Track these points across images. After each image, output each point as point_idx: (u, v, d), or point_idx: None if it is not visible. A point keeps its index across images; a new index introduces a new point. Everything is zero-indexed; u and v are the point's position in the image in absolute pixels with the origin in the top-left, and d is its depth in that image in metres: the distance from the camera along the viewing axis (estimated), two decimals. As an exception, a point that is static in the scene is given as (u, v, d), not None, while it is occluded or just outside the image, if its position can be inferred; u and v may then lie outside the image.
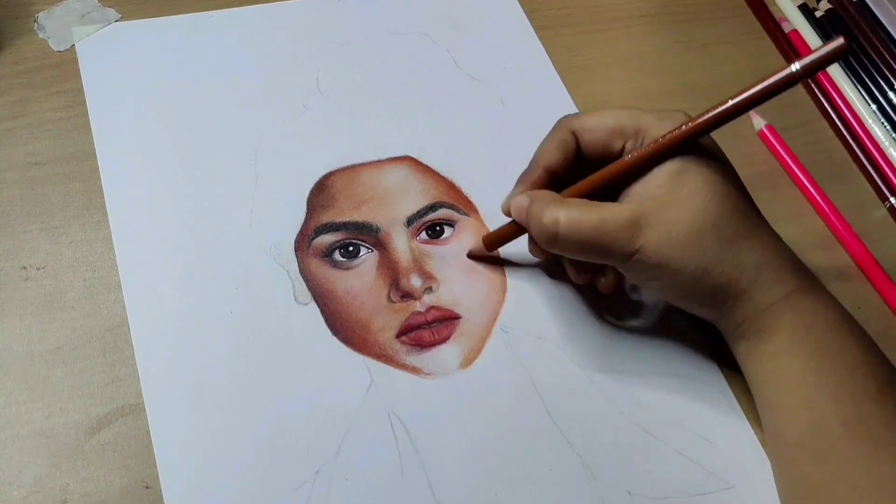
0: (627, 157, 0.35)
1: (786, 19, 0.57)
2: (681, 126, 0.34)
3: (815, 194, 0.48)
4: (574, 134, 0.37)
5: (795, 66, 0.31)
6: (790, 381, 0.34)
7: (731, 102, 0.33)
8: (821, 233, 0.48)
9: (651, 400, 0.39)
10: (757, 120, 0.51)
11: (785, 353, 0.35)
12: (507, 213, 0.38)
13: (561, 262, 0.40)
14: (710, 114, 0.34)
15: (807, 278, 0.36)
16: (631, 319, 0.41)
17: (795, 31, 0.56)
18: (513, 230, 0.39)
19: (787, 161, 0.49)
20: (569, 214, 0.34)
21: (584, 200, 0.35)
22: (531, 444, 0.36)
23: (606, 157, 0.37)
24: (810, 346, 0.34)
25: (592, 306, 0.41)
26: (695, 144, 0.35)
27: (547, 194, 0.36)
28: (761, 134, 0.51)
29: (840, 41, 0.31)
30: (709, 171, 0.35)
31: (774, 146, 0.50)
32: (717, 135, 0.50)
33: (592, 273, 0.39)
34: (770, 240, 0.36)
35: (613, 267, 0.37)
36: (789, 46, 0.55)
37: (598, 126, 0.36)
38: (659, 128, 0.35)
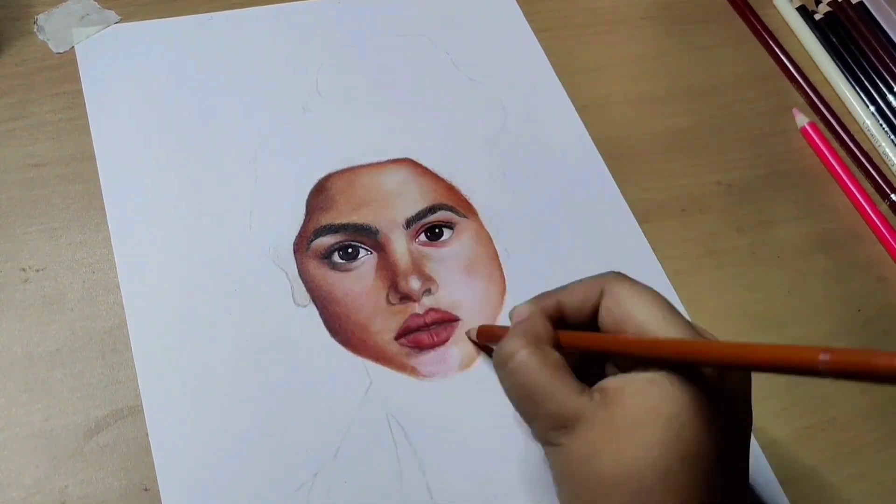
0: (627, 338, 0.30)
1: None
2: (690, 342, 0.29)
3: (854, 190, 0.49)
4: (602, 292, 0.32)
5: (823, 357, 0.22)
6: None
7: (753, 354, 0.25)
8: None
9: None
10: (800, 117, 0.52)
11: None
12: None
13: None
14: (730, 352, 0.26)
15: None
16: None
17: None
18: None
19: (827, 157, 0.50)
20: (525, 359, 0.30)
21: (557, 358, 0.30)
22: (530, 447, 0.36)
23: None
24: None
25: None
26: (714, 384, 0.28)
27: (540, 324, 0.31)
28: (804, 131, 0.51)
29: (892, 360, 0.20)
30: (684, 435, 0.27)
31: (816, 143, 0.51)
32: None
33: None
34: None
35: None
36: (781, 51, 0.55)
37: (623, 304, 0.31)
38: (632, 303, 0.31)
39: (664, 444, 0.27)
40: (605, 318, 0.31)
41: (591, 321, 0.32)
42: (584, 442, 0.28)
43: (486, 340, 0.38)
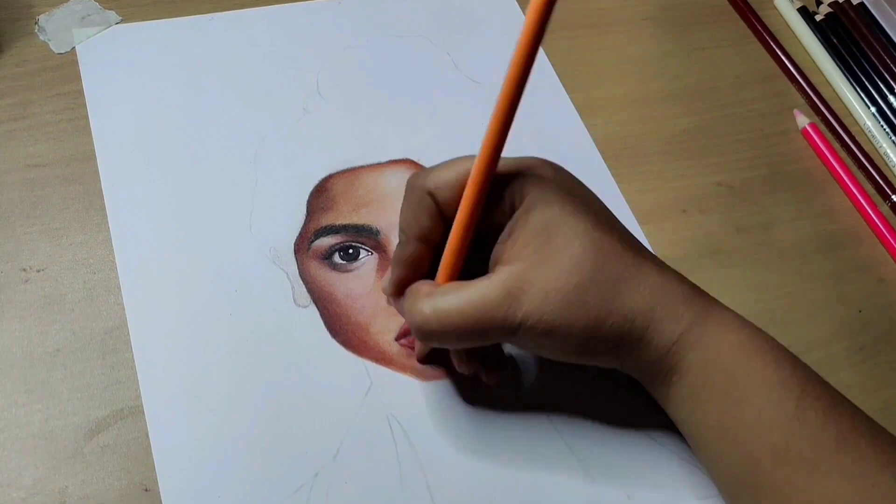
0: (459, 213, 0.31)
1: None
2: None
3: (855, 191, 0.49)
4: (430, 194, 0.32)
5: None
6: (709, 423, 0.32)
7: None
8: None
9: (651, 403, 0.39)
10: (801, 118, 0.52)
11: (697, 396, 0.32)
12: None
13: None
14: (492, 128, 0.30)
15: (701, 306, 0.33)
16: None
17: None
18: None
19: (828, 158, 0.50)
20: (434, 306, 0.31)
21: (448, 285, 0.32)
22: (530, 448, 0.36)
23: None
24: (719, 381, 0.32)
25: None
26: (551, 186, 0.32)
27: (418, 286, 0.32)
28: (804, 132, 0.51)
29: None
30: (575, 219, 0.31)
31: (817, 144, 0.51)
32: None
33: (479, 361, 0.35)
34: (654, 275, 0.32)
35: (497, 358, 0.36)
36: (781, 52, 0.55)
37: (448, 182, 0.32)
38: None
39: (574, 234, 0.31)
40: (449, 206, 0.32)
41: (448, 225, 0.32)
42: (530, 297, 0.30)
43: (423, 350, 0.37)
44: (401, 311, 0.35)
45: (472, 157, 0.31)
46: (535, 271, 0.31)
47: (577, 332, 0.31)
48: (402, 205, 0.33)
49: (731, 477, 0.32)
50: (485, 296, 0.30)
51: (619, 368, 0.34)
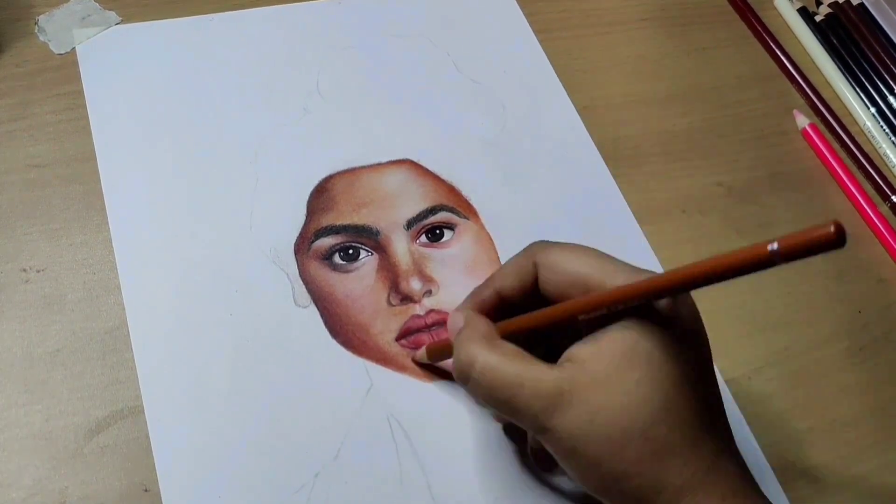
0: (569, 302, 0.30)
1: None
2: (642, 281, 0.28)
3: (854, 191, 0.49)
4: (535, 265, 0.32)
5: (773, 246, 0.25)
6: None
7: (699, 269, 0.26)
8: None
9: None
10: (801, 119, 0.52)
11: None
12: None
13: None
14: (676, 276, 0.27)
15: None
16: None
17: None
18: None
19: (828, 159, 0.50)
20: (486, 360, 0.30)
21: (514, 348, 0.30)
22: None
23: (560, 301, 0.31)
24: None
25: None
26: (668, 315, 0.29)
27: (481, 325, 0.31)
28: (804, 132, 0.51)
29: (829, 229, 0.24)
30: (666, 363, 0.28)
31: (817, 144, 0.51)
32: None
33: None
34: (709, 462, 0.29)
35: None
36: (781, 52, 0.55)
37: (560, 269, 0.31)
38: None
39: (652, 378, 0.28)
40: (547, 288, 0.32)
41: (533, 296, 0.32)
42: (576, 411, 0.28)
43: (437, 358, 0.36)
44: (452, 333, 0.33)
45: (596, 257, 0.31)
46: (595, 389, 0.28)
47: (597, 472, 0.29)
48: (512, 257, 0.33)
49: None
50: (537, 380, 0.29)
51: None
